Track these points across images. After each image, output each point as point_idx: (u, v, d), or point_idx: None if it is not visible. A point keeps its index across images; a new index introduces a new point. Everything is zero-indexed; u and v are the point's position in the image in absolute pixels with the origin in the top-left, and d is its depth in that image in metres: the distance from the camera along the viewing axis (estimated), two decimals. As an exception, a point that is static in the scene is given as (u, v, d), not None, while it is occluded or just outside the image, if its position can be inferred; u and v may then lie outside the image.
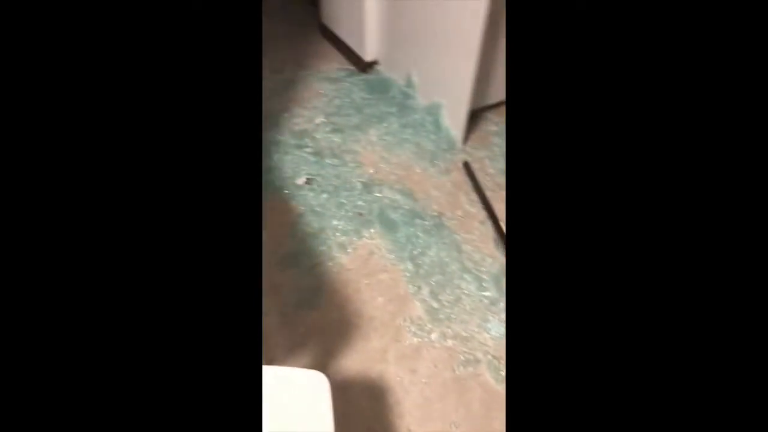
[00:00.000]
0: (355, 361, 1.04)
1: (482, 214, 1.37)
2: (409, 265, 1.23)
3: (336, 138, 1.64)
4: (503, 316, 1.12)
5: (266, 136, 1.65)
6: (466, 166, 1.53)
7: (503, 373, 1.01)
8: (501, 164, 1.55)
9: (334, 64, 2.06)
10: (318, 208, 1.38)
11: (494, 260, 1.25)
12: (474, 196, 1.43)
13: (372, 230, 1.32)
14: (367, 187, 1.45)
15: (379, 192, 1.44)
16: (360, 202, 1.40)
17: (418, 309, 1.14)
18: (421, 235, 1.31)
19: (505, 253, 1.26)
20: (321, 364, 1.03)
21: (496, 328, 1.09)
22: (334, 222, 1.35)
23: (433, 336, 1.08)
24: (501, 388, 0.99)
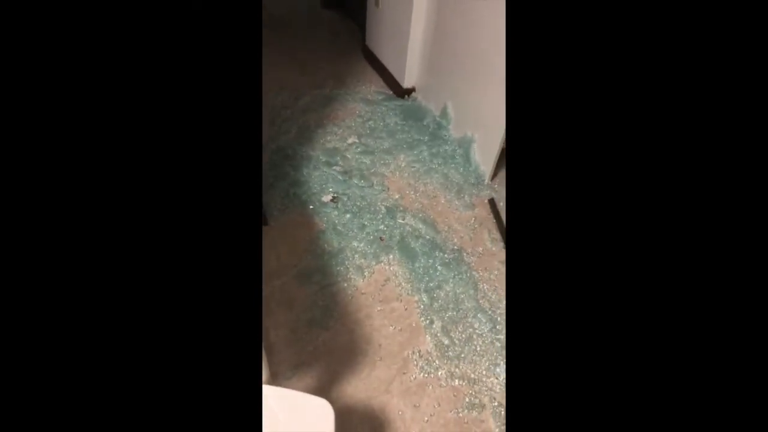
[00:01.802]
0: (358, 388, 1.03)
1: (503, 254, 1.36)
2: (424, 297, 1.22)
3: (366, 159, 1.67)
4: (514, 362, 1.09)
5: (299, 150, 1.69)
6: (492, 203, 1.52)
7: (508, 422, 0.99)
8: (527, 205, 1.54)
9: (373, 87, 2.10)
10: (340, 227, 1.40)
11: (510, 303, 1.23)
12: (497, 235, 1.42)
13: (391, 256, 1.33)
14: (391, 212, 1.46)
15: (402, 218, 1.44)
16: (382, 227, 1.41)
17: (428, 343, 1.12)
18: (439, 267, 1.30)
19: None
20: (325, 386, 1.02)
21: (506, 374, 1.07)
22: (355, 243, 1.35)
23: (441, 373, 1.07)
24: (504, 438, 0.96)
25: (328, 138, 1.77)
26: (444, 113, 1.80)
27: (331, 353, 1.09)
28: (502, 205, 1.52)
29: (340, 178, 1.58)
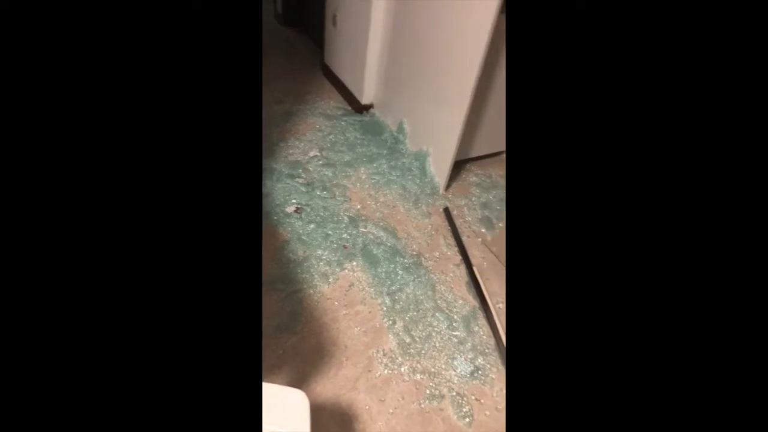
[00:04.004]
0: (326, 387, 1.09)
1: (458, 258, 1.48)
2: (387, 300, 1.30)
3: (327, 171, 1.74)
4: (470, 355, 1.19)
5: (262, 163, 1.73)
6: (447, 211, 1.64)
7: (465, 409, 1.08)
8: (478, 213, 1.67)
9: (332, 102, 2.19)
10: (305, 237, 1.46)
11: (465, 302, 1.34)
12: (451, 240, 1.54)
13: (354, 263, 1.40)
14: (354, 221, 1.54)
15: (365, 227, 1.53)
16: (345, 235, 1.49)
17: (391, 342, 1.20)
18: (400, 272, 1.39)
19: (476, 296, 1.35)
20: (294, 386, 1.07)
21: (462, 366, 1.17)
22: (319, 251, 1.42)
23: (403, 369, 1.15)
24: (461, 424, 1.05)
25: (290, 151, 1.82)
26: (400, 128, 1.92)
27: (299, 356, 1.14)
28: (455, 213, 1.64)
29: (303, 189, 1.64)
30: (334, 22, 2.12)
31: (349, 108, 2.16)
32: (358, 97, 2.09)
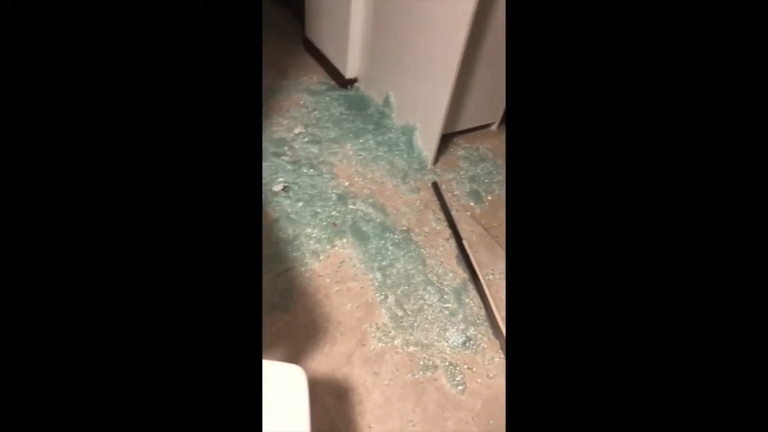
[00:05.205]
0: (321, 362, 1.10)
1: (447, 232, 1.49)
2: (378, 275, 1.31)
3: (313, 149, 1.71)
4: (461, 326, 1.22)
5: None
6: (435, 186, 1.64)
7: (458, 378, 1.11)
8: (466, 186, 1.68)
9: (315, 77, 2.14)
10: (293, 216, 1.44)
11: (455, 275, 1.35)
12: (440, 215, 1.55)
13: (344, 240, 1.40)
14: (342, 198, 1.53)
15: (353, 204, 1.52)
16: (334, 212, 1.48)
17: (383, 316, 1.22)
18: (390, 247, 1.40)
19: (465, 269, 1.37)
20: (290, 363, 1.08)
21: (454, 337, 1.19)
22: (308, 230, 1.41)
23: (397, 342, 1.17)
24: (455, 392, 1.08)
25: (275, 129, 1.78)
26: (387, 102, 1.88)
27: (293, 333, 1.15)
28: (444, 188, 1.64)
29: (290, 167, 1.61)
30: (315, -7, 2.04)
31: (333, 83, 2.11)
32: (342, 72, 2.04)
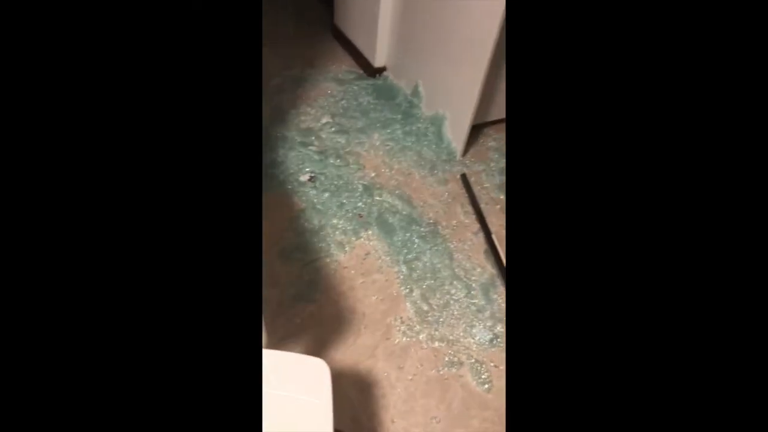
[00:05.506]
0: (345, 354, 1.09)
1: (476, 226, 1.44)
2: (403, 268, 1.29)
3: (341, 139, 1.70)
4: (489, 323, 1.18)
5: (273, 131, 1.69)
6: (464, 178, 1.60)
7: (484, 376, 1.08)
8: (497, 179, 1.62)
9: (343, 66, 2.11)
10: (319, 206, 1.44)
11: (484, 270, 1.31)
12: (469, 208, 1.50)
13: (370, 232, 1.38)
14: (368, 189, 1.51)
15: (379, 196, 1.50)
16: (360, 204, 1.46)
17: (408, 310, 1.20)
18: (416, 240, 1.37)
19: (494, 264, 1.33)
20: (314, 354, 1.08)
21: (481, 334, 1.16)
22: (334, 221, 1.40)
23: (421, 336, 1.14)
24: (481, 390, 1.06)
25: (302, 118, 1.78)
26: (415, 92, 1.84)
27: (318, 324, 1.14)
28: (473, 180, 1.60)
29: (316, 157, 1.60)
30: (344, -20, 2.01)
31: (362, 72, 2.08)
32: (371, 60, 2.00)
